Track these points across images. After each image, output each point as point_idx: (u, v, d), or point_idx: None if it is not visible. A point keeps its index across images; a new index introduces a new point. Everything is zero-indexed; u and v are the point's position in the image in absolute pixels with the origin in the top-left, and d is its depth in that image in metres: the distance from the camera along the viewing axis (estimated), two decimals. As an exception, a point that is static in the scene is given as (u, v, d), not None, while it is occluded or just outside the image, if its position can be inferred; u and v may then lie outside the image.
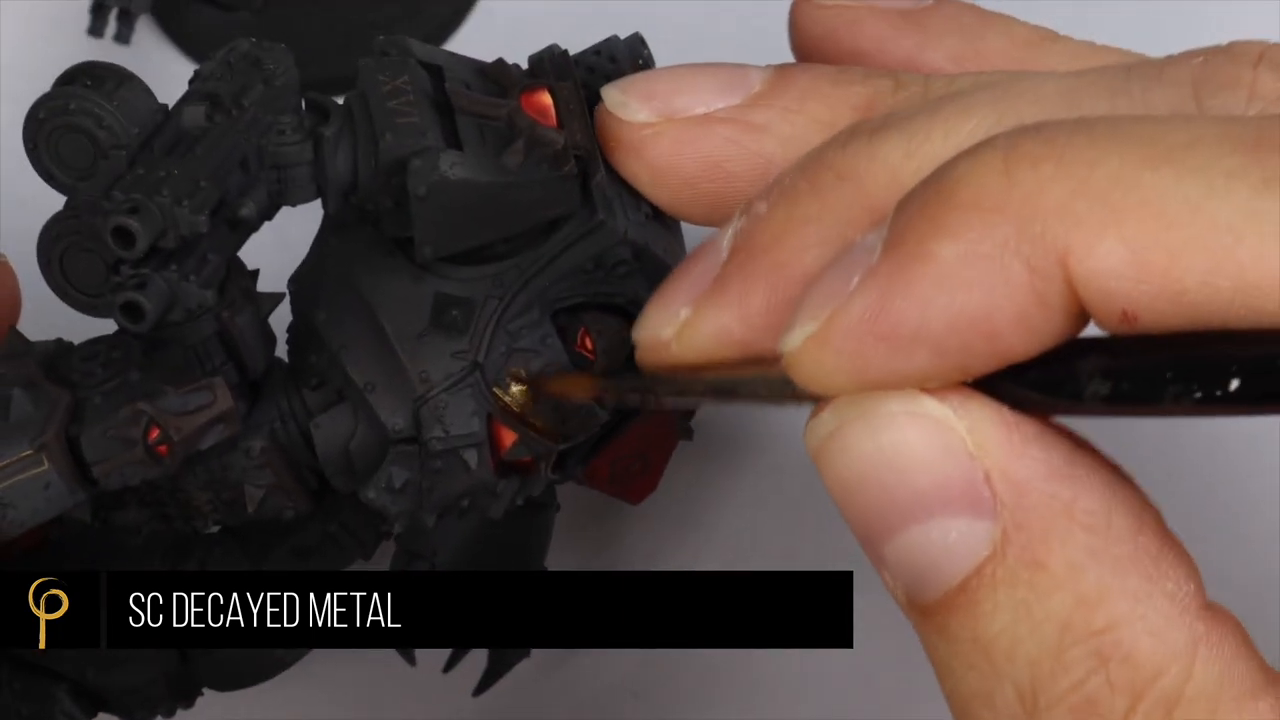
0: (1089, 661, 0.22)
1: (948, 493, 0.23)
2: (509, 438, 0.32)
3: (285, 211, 0.33)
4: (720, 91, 0.30)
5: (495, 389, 0.32)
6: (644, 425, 0.35)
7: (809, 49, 0.32)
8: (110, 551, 0.36)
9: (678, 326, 0.27)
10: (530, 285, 0.32)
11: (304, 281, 0.34)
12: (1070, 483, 0.23)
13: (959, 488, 0.23)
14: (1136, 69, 0.25)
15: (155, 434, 0.31)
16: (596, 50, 0.35)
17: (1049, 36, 0.31)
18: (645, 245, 0.32)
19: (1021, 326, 0.22)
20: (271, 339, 0.34)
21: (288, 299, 0.35)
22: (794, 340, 0.23)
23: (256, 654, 0.35)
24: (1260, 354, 0.21)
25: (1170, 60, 0.25)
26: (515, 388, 0.32)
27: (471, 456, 0.32)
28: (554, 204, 0.31)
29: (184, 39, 0.51)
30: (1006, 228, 0.22)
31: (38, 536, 0.36)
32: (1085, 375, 0.22)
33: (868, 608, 0.36)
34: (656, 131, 0.30)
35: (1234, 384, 0.21)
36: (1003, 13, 0.31)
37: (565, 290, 0.32)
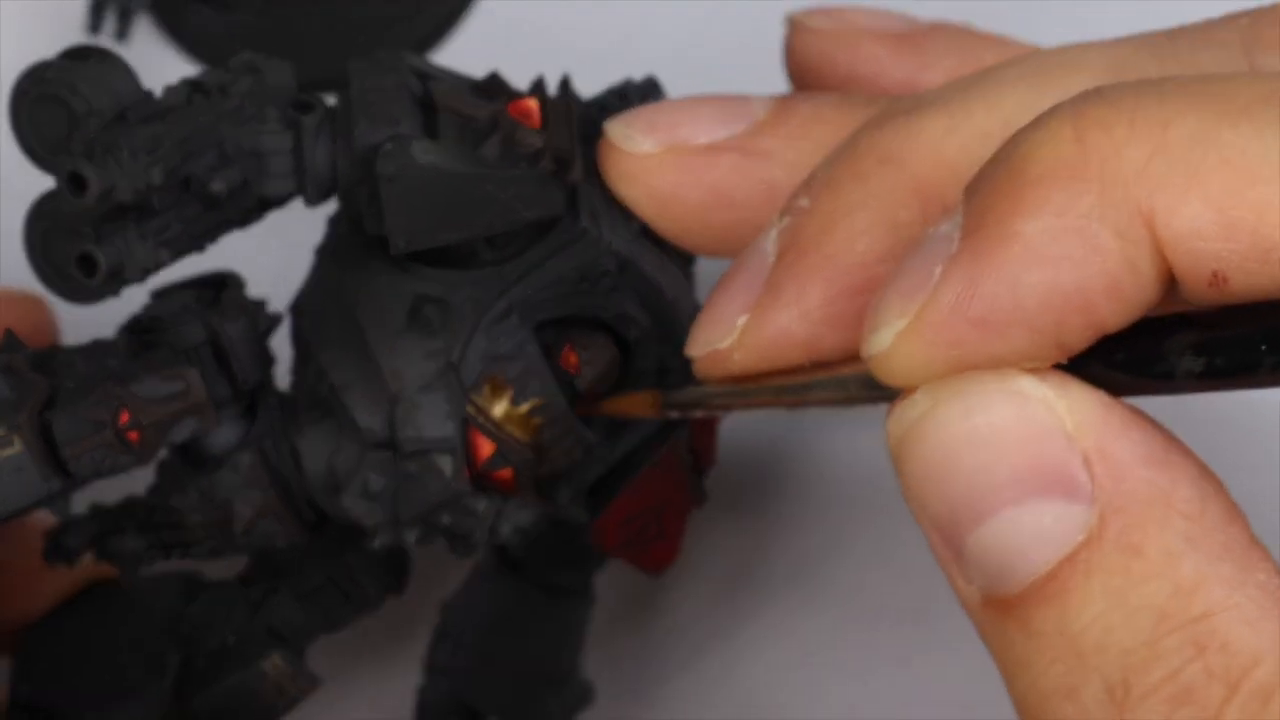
0: (1186, 650, 0.22)
1: (1044, 474, 0.23)
2: (486, 448, 0.32)
3: (294, 240, 0.33)
4: (723, 121, 0.30)
5: (471, 394, 0.32)
6: (654, 474, 0.35)
7: (804, 73, 0.32)
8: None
9: (736, 334, 0.26)
10: (510, 292, 0.32)
11: (301, 304, 0.34)
12: (1167, 469, 0.23)
13: (1056, 469, 0.23)
14: (1180, 33, 0.25)
15: (126, 418, 0.31)
16: (611, 91, 0.35)
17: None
18: (631, 260, 0.32)
19: (1115, 295, 0.22)
20: (268, 358, 0.34)
21: (288, 323, 0.35)
22: (883, 339, 0.23)
23: (250, 702, 0.35)
24: None
25: (1213, 23, 0.25)
26: (492, 395, 0.32)
27: (445, 463, 0.32)
28: (532, 203, 0.31)
29: (183, 37, 0.51)
30: (1089, 196, 0.21)
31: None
32: (1176, 353, 0.22)
33: (868, 608, 0.37)
34: (661, 163, 0.30)
35: None
36: (998, 35, 0.31)
37: (548, 301, 0.32)
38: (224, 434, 0.34)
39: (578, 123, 0.32)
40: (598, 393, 0.33)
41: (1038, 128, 0.22)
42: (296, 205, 0.34)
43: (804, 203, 0.26)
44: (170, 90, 0.32)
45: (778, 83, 0.43)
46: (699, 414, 0.29)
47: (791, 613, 0.42)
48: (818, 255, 0.26)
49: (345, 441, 0.33)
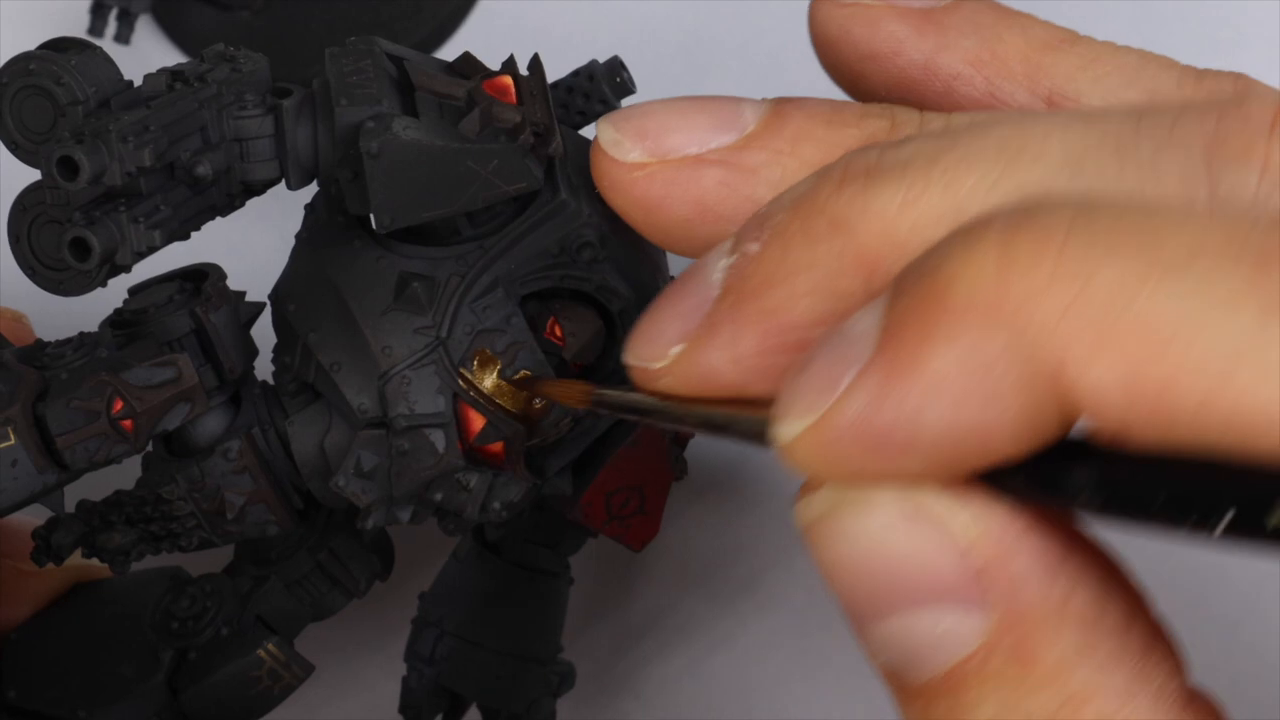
0: None
1: (940, 584, 0.23)
2: (478, 422, 0.32)
3: (276, 230, 0.33)
4: (713, 130, 0.29)
5: (461, 369, 0.32)
6: (634, 451, 0.35)
7: (825, 46, 0.32)
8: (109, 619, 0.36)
9: (669, 361, 0.26)
10: (494, 265, 0.32)
11: (281, 290, 0.34)
12: (1065, 579, 0.23)
13: (951, 580, 0.23)
14: (1148, 124, 0.24)
15: (119, 406, 0.31)
16: (578, 72, 0.36)
17: (1068, 39, 0.31)
18: (610, 232, 0.32)
19: (1016, 438, 0.22)
20: (252, 348, 0.34)
21: (268, 311, 0.35)
22: (787, 432, 0.23)
23: (246, 691, 0.35)
24: (1255, 491, 0.20)
25: (1183, 116, 0.24)
26: (481, 368, 0.32)
27: (438, 437, 0.32)
28: (513, 177, 0.31)
29: (184, 39, 0.51)
30: (1000, 340, 0.21)
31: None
32: (1078, 484, 0.22)
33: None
34: (648, 173, 0.29)
35: (1224, 522, 0.20)
36: (1022, 12, 0.31)
37: (531, 274, 0.32)
38: (210, 424, 0.34)
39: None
40: (582, 364, 0.33)
41: (965, 247, 0.22)
42: (278, 196, 0.34)
43: (753, 248, 0.26)
44: (150, 79, 0.32)
45: (778, 83, 0.43)
46: (629, 418, 0.29)
47: (771, 599, 0.42)
48: (756, 307, 0.26)
49: (336, 422, 0.33)
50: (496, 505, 0.33)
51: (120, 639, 0.36)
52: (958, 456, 0.22)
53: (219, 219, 0.33)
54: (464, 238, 0.32)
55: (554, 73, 0.35)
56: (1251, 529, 0.20)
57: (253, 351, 0.34)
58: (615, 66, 0.36)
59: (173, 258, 0.35)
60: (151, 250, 0.31)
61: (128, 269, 0.32)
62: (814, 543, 0.24)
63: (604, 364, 0.33)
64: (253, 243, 0.34)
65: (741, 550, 0.43)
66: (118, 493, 0.34)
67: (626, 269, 0.32)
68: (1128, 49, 0.31)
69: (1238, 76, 0.30)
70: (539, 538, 0.38)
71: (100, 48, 0.32)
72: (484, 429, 0.32)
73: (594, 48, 0.49)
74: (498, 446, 0.32)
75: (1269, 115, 0.24)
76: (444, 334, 0.32)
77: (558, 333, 0.33)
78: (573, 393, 0.31)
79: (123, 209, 0.31)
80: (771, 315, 0.25)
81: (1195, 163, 0.24)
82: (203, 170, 0.32)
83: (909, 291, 0.22)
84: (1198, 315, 0.20)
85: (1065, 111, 0.27)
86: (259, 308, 0.35)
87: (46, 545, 0.34)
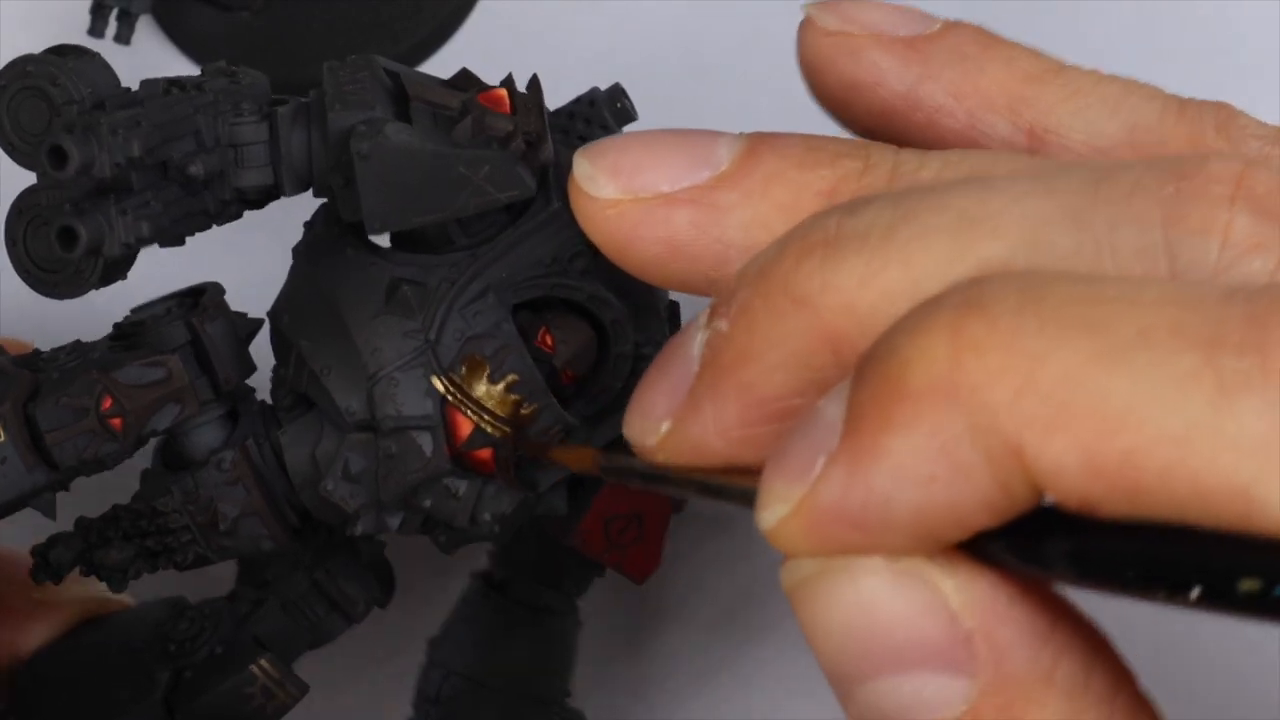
0: None
1: (926, 649, 0.23)
2: (465, 427, 0.32)
3: (280, 253, 0.34)
4: (686, 167, 0.29)
5: (449, 373, 0.32)
6: None
7: (812, 75, 0.32)
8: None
9: (659, 437, 0.27)
10: (486, 272, 0.32)
11: (279, 305, 0.34)
12: (1052, 647, 0.23)
13: (939, 645, 0.23)
14: (1105, 192, 0.24)
15: (109, 404, 0.32)
16: (579, 100, 0.36)
17: (1051, 69, 0.30)
18: None
19: (987, 511, 0.22)
20: (249, 362, 0.35)
21: (268, 328, 0.35)
22: (768, 519, 0.23)
23: (239, 708, 0.35)
24: (1225, 559, 0.20)
25: (1141, 184, 0.24)
26: (470, 373, 0.32)
27: (425, 440, 0.32)
28: (504, 184, 0.31)
29: (184, 39, 0.51)
30: (958, 422, 0.22)
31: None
32: (1054, 554, 0.22)
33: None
34: (620, 212, 0.29)
35: (1195, 592, 0.20)
36: (1008, 41, 0.31)
37: (523, 281, 0.32)
38: (207, 438, 0.34)
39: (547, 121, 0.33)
40: (575, 375, 0.33)
41: (918, 332, 0.22)
42: (286, 215, 0.34)
43: (722, 326, 0.26)
44: (146, 84, 0.33)
45: (777, 83, 0.43)
46: (635, 485, 0.29)
47: (792, 644, 0.42)
48: (734, 383, 0.26)
49: (328, 431, 0.33)
50: (487, 517, 0.33)
51: (121, 667, 0.36)
52: (935, 531, 0.22)
53: (228, 245, 0.34)
54: (457, 246, 0.32)
55: (554, 72, 0.35)
56: (1224, 597, 0.20)
57: (249, 366, 0.35)
58: (617, 93, 0.36)
59: (176, 277, 0.35)
60: (140, 242, 0.32)
61: (121, 273, 0.32)
62: (800, 605, 0.24)
63: (598, 377, 0.34)
64: (259, 265, 0.35)
65: (756, 590, 0.43)
66: (114, 507, 0.35)
67: (619, 280, 0.32)
68: (1112, 79, 0.30)
69: (1220, 107, 0.30)
70: (544, 577, 0.38)
71: (99, 54, 0.33)
72: (471, 434, 0.32)
73: (594, 48, 0.49)
74: (487, 454, 0.32)
75: (1230, 181, 0.24)
76: (433, 337, 0.32)
77: (548, 341, 0.33)
78: (580, 459, 0.31)
79: (112, 202, 0.31)
80: (749, 390, 0.26)
81: (1153, 236, 0.23)
82: (195, 170, 0.32)
83: (868, 378, 0.23)
84: (1149, 396, 0.20)
85: (1032, 167, 0.27)
86: (258, 323, 0.35)
87: (45, 562, 0.34)
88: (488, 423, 0.32)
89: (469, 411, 0.32)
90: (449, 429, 0.32)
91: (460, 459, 0.32)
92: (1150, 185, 0.24)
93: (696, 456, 0.26)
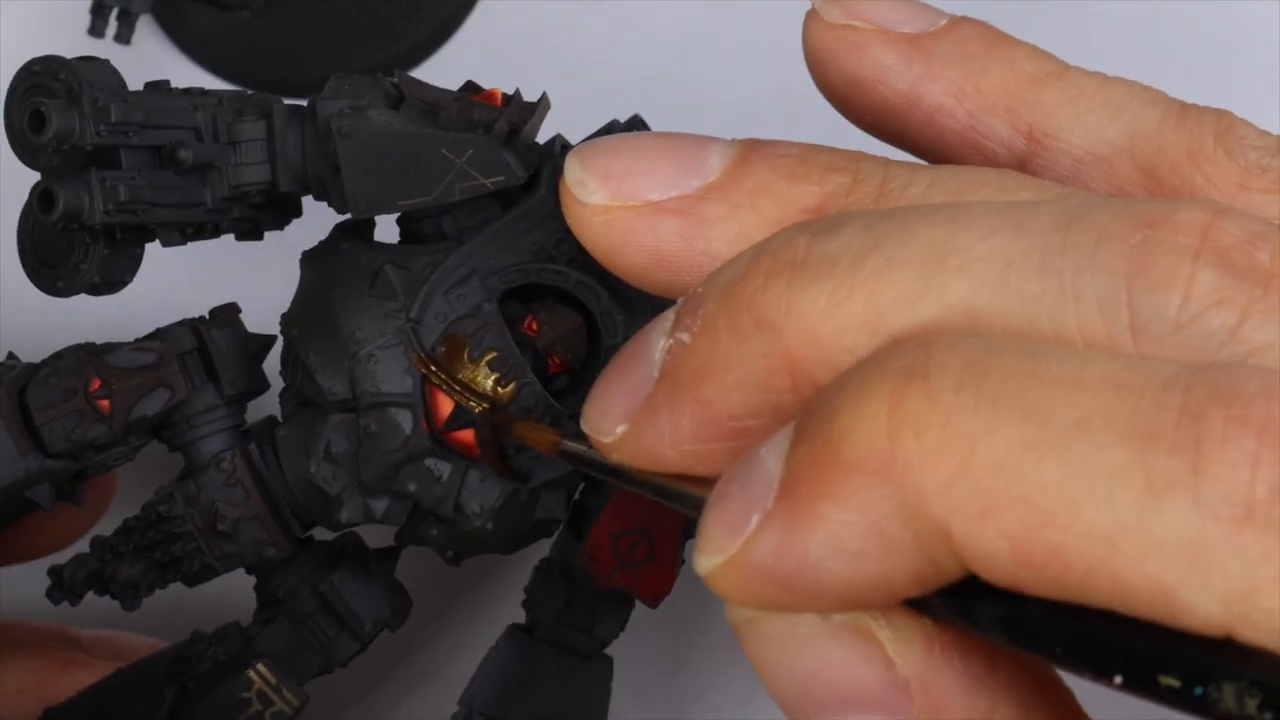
0: None
1: (864, 695, 0.23)
2: (447, 407, 0.32)
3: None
4: (676, 175, 0.29)
5: (429, 352, 0.32)
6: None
7: (816, 68, 0.32)
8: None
9: (615, 439, 0.27)
10: (471, 258, 0.33)
11: (286, 314, 0.35)
12: (989, 690, 0.23)
13: (876, 691, 0.23)
14: (1074, 236, 0.24)
15: (97, 385, 0.33)
16: (595, 133, 0.36)
17: (1055, 72, 0.30)
18: None
19: (916, 583, 0.22)
20: (260, 377, 0.35)
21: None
22: (703, 566, 0.23)
23: (236, 714, 0.35)
24: (1149, 650, 0.20)
25: (1109, 231, 0.24)
26: (450, 352, 0.32)
27: (405, 418, 0.32)
28: (488, 167, 0.32)
29: (184, 39, 0.51)
30: (890, 500, 0.22)
31: None
32: (985, 618, 0.22)
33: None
34: (608, 219, 0.29)
35: (1118, 678, 0.20)
36: (1014, 40, 0.31)
37: (508, 267, 0.33)
38: (214, 445, 0.34)
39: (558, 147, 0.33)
40: (564, 362, 0.33)
41: (859, 397, 0.22)
42: (307, 241, 0.35)
43: (685, 338, 0.26)
44: (150, 83, 0.33)
45: (776, 84, 0.43)
46: (591, 474, 0.29)
47: None
48: (691, 397, 0.26)
49: (317, 419, 0.33)
50: (476, 508, 0.33)
51: (135, 688, 0.36)
52: (865, 599, 0.22)
53: (251, 270, 0.34)
54: (445, 236, 0.33)
55: (554, 73, 0.35)
56: (1147, 688, 0.20)
57: (261, 380, 0.35)
58: (635, 124, 0.36)
59: (196, 299, 0.36)
60: (118, 209, 0.32)
61: (122, 274, 0.33)
62: (744, 644, 0.24)
63: (590, 371, 0.34)
64: (283, 294, 0.35)
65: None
66: (125, 520, 0.35)
67: (606, 270, 0.33)
68: (1116, 82, 0.30)
69: (1220, 115, 0.29)
70: (573, 620, 0.38)
71: (107, 60, 0.33)
72: (453, 414, 0.32)
73: (594, 49, 0.49)
74: (470, 436, 0.33)
75: (1197, 231, 0.23)
76: (414, 315, 0.32)
77: (534, 326, 0.33)
78: (543, 438, 0.31)
79: (94, 172, 0.32)
80: (705, 406, 0.26)
81: (1116, 287, 0.23)
82: (184, 154, 0.32)
83: (808, 436, 0.23)
84: (1079, 491, 0.20)
85: (1009, 194, 0.27)
86: (270, 339, 0.35)
87: (59, 580, 0.35)
88: (465, 398, 0.32)
89: (447, 388, 0.32)
90: (430, 409, 0.32)
91: (442, 440, 0.33)
92: (1118, 232, 0.23)
93: (650, 463, 0.26)
